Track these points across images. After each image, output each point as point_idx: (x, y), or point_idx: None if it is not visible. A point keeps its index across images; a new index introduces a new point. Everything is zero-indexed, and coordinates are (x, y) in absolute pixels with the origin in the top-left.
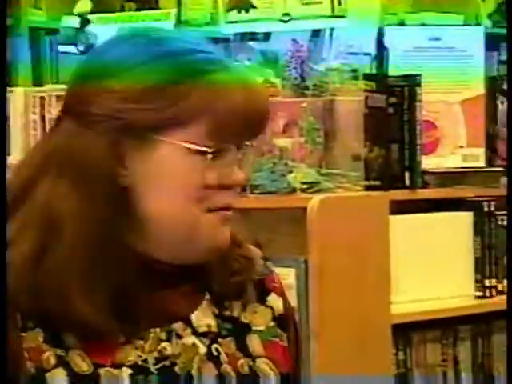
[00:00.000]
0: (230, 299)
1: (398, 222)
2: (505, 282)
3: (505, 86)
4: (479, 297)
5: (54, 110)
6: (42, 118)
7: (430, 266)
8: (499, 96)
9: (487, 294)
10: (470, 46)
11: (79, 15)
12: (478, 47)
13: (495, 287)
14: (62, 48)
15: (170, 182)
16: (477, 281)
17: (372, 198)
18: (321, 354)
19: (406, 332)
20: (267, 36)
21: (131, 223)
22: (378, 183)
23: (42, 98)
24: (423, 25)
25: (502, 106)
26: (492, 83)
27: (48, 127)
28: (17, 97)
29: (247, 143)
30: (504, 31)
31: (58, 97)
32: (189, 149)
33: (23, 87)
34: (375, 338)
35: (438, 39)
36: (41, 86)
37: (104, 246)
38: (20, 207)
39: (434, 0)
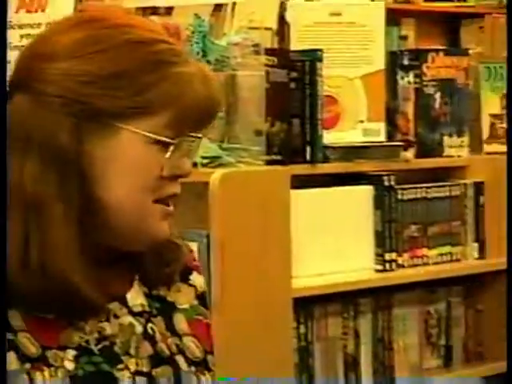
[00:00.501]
0: (160, 285)
1: (299, 196)
2: (405, 255)
3: (405, 62)
4: (379, 270)
5: None
6: None
7: (331, 240)
8: (399, 71)
9: (387, 268)
10: (371, 20)
11: None
12: (378, 22)
13: (395, 261)
14: None
15: (128, 170)
16: (377, 254)
17: (273, 172)
18: (222, 326)
19: (307, 305)
20: (169, 10)
21: (86, 207)
22: (279, 158)
23: None
24: None
25: (401, 81)
26: (392, 58)
27: None
28: None
29: (199, 134)
30: (404, 6)
31: None
32: (150, 138)
33: None
34: (277, 312)
35: (338, 14)
36: None
37: (58, 223)
38: None
39: None
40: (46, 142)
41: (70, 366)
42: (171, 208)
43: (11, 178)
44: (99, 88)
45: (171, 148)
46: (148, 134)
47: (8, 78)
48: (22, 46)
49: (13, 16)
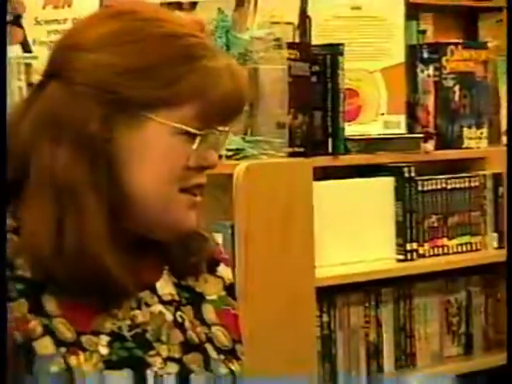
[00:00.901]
0: (187, 275)
1: (322, 187)
2: (426, 245)
3: (425, 55)
4: (401, 260)
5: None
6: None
7: (353, 230)
8: (419, 64)
9: (408, 258)
10: (391, 14)
11: None
12: (398, 16)
13: (416, 251)
14: None
15: (154, 159)
16: (398, 244)
17: (296, 164)
18: (247, 315)
19: (329, 295)
20: (193, 5)
21: (115, 194)
22: (301, 150)
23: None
24: None
25: (421, 74)
26: (412, 52)
27: None
28: None
29: (226, 128)
30: (423, 1)
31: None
32: (177, 129)
33: None
34: (300, 301)
35: (359, 8)
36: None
37: (90, 212)
38: (26, 171)
39: None
40: (77, 130)
41: (103, 350)
42: (198, 198)
43: (42, 163)
44: (129, 79)
45: (198, 139)
46: (176, 125)
47: (45, 66)
48: (50, 41)
49: (40, 12)
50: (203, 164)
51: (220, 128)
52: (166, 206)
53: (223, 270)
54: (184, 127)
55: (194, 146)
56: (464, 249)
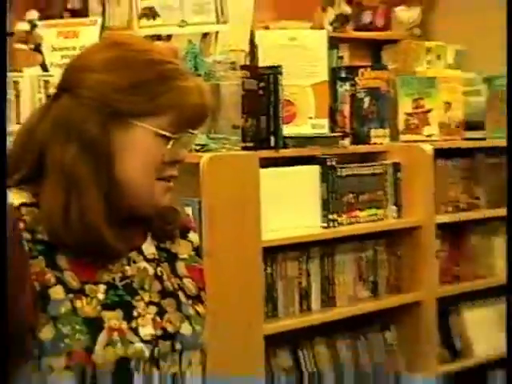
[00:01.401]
0: (165, 240)
1: (266, 173)
2: (343, 216)
3: (342, 75)
4: (325, 227)
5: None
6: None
7: (290, 204)
8: (338, 82)
9: (330, 225)
10: (318, 45)
11: (29, 21)
12: (323, 46)
13: (336, 220)
14: (17, 45)
15: (139, 156)
16: (323, 215)
17: (247, 155)
18: (211, 270)
19: (272, 253)
20: (169, 37)
21: (108, 181)
22: (251, 145)
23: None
24: (284, 29)
25: (340, 89)
26: (333, 72)
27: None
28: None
29: (194, 131)
30: (340, 35)
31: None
32: (157, 133)
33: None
34: (250, 258)
35: (294, 39)
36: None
37: (92, 193)
38: (42, 161)
39: (291, 12)
40: (82, 132)
41: (101, 296)
42: (171, 184)
43: (54, 157)
44: (123, 95)
45: (172, 141)
46: (156, 130)
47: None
48: (62, 63)
49: (55, 41)
50: (176, 159)
51: (189, 131)
52: (147, 190)
53: (192, 236)
54: (162, 132)
55: (169, 146)
56: (372, 218)
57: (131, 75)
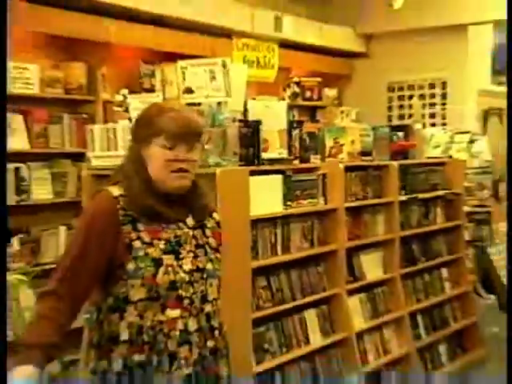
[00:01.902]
0: (200, 217)
1: (252, 179)
2: (295, 203)
3: (295, 125)
4: (284, 209)
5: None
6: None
7: (265, 196)
8: (292, 129)
9: (287, 208)
10: (281, 109)
11: (123, 95)
12: (283, 110)
13: (290, 205)
14: (116, 108)
15: (156, 159)
16: (283, 203)
17: (242, 169)
18: (223, 231)
19: (256, 223)
20: (199, 104)
21: (145, 176)
22: (244, 163)
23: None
24: (262, 100)
25: (293, 133)
26: (289, 124)
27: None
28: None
29: (196, 143)
30: (294, 103)
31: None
32: (160, 145)
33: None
34: (242, 227)
35: (268, 106)
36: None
37: (147, 186)
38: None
39: (267, 91)
40: (130, 151)
41: (162, 246)
42: (185, 174)
43: (123, 167)
44: (141, 129)
45: (171, 149)
46: (159, 143)
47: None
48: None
49: (136, 105)
50: (178, 158)
51: (187, 143)
52: (165, 178)
53: (215, 215)
54: (164, 143)
55: (168, 151)
56: (310, 204)
57: (143, 117)
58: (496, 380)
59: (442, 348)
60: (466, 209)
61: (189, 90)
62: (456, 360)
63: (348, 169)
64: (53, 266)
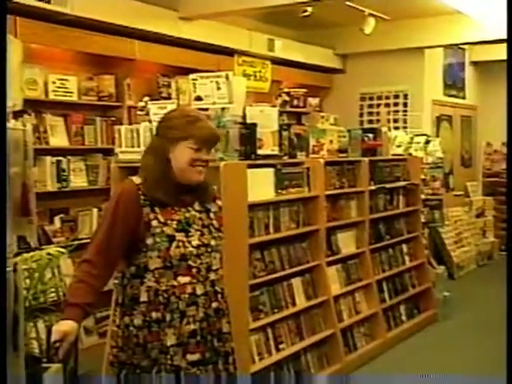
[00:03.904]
0: (205, 202)
1: (250, 171)
2: (284, 191)
3: (284, 127)
4: (276, 196)
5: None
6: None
7: (260, 186)
8: (282, 130)
9: (278, 195)
10: (273, 114)
11: (144, 101)
12: (275, 115)
13: (281, 193)
14: (139, 113)
15: (181, 156)
16: (275, 191)
17: (241, 163)
18: (225, 214)
19: (252, 207)
20: (207, 109)
21: (170, 169)
22: (243, 158)
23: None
24: (258, 106)
25: (284, 133)
26: (280, 126)
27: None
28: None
29: (212, 148)
30: (283, 110)
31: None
32: (188, 147)
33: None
34: (241, 210)
35: (263, 111)
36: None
37: (165, 176)
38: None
39: (262, 99)
40: (154, 148)
41: (174, 225)
42: (202, 169)
43: (146, 160)
44: (173, 131)
45: (195, 151)
46: (187, 146)
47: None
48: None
49: (155, 110)
50: (200, 158)
51: (207, 147)
52: (186, 172)
53: (218, 201)
54: (190, 146)
55: (195, 152)
56: (297, 192)
57: (174, 122)
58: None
59: (402, 308)
60: (422, 196)
61: (198, 98)
62: (413, 318)
63: (327, 163)
64: (88, 240)
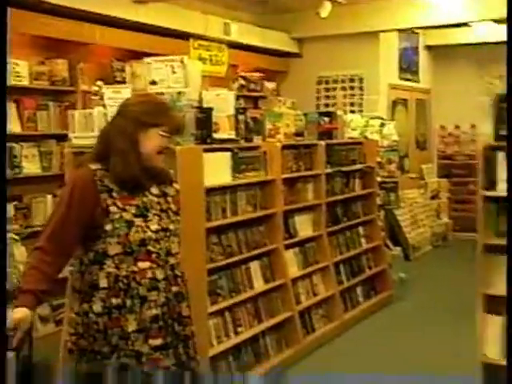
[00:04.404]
0: (163, 185)
1: (206, 155)
2: (241, 175)
3: (240, 111)
4: (232, 180)
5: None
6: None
7: (217, 170)
8: (238, 114)
9: (235, 179)
10: (230, 98)
11: (98, 86)
12: (232, 98)
13: (238, 176)
14: (93, 97)
15: (151, 143)
16: (232, 175)
17: (197, 147)
18: (182, 198)
19: (210, 192)
20: (162, 93)
21: (138, 153)
22: (199, 142)
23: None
24: (214, 90)
25: (239, 117)
26: (236, 110)
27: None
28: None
29: (175, 135)
30: (240, 94)
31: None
32: (158, 134)
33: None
34: (198, 194)
35: (219, 95)
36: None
37: (136, 159)
38: (108, 151)
39: (219, 83)
40: (126, 133)
41: (133, 211)
42: (163, 155)
43: (115, 145)
44: (144, 116)
45: (165, 138)
46: (158, 132)
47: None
48: (113, 105)
49: (110, 95)
50: (166, 146)
51: (172, 135)
52: (152, 157)
53: (175, 185)
54: (160, 133)
55: (162, 139)
56: (254, 176)
57: (148, 108)
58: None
59: (359, 290)
60: (378, 179)
61: (153, 82)
62: (370, 299)
63: (284, 147)
64: (41, 227)
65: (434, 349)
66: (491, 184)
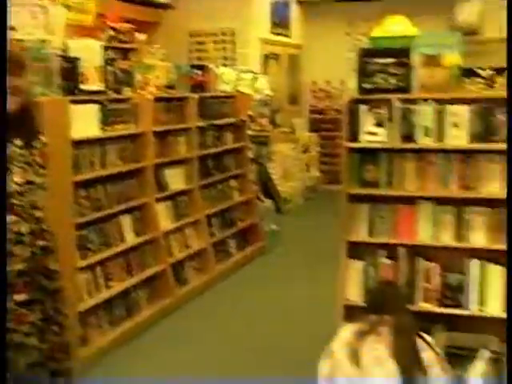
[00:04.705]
0: (28, 139)
1: (73, 107)
2: (109, 127)
3: (109, 62)
4: (101, 132)
5: None
6: None
7: (85, 122)
8: (107, 66)
9: (104, 131)
10: (98, 49)
11: None
12: (100, 50)
13: (106, 129)
14: None
15: None
16: (100, 127)
17: (63, 99)
18: (48, 151)
19: (77, 144)
20: (22, 40)
21: None
22: (65, 93)
23: None
24: (82, 41)
25: (109, 69)
26: (105, 61)
27: None
28: None
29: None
30: (113, 45)
31: None
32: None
33: None
34: (66, 146)
35: (87, 46)
36: None
37: None
38: None
39: (87, 33)
40: None
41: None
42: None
43: None
44: None
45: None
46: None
47: None
48: None
49: None
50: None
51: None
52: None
53: (42, 137)
54: None
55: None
56: (123, 129)
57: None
58: None
59: (232, 242)
60: (250, 133)
61: (12, 28)
62: (242, 251)
63: (156, 100)
64: None
65: (300, 292)
66: (355, 136)
